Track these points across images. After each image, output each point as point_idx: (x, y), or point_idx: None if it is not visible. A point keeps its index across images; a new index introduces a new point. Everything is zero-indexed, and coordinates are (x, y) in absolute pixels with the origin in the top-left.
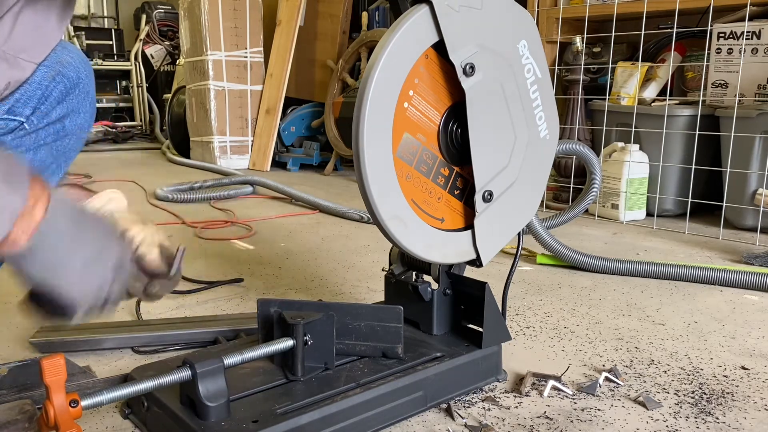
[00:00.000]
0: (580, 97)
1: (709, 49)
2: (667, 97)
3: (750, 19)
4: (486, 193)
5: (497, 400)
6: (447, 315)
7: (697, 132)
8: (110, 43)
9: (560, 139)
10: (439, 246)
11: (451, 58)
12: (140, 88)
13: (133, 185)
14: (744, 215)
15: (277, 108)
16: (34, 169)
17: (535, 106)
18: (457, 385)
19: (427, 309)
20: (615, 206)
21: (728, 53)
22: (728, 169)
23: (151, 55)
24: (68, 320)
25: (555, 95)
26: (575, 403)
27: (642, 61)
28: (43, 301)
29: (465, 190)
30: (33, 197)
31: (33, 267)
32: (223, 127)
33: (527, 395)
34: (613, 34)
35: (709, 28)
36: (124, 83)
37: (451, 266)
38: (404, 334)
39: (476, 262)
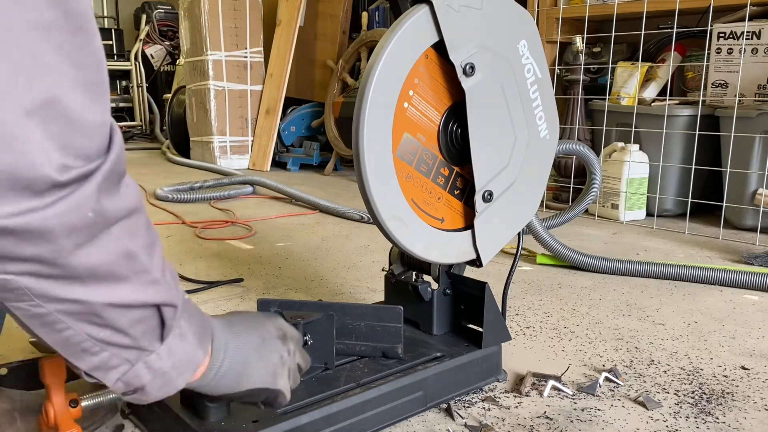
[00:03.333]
0: (580, 97)
1: (709, 49)
2: (667, 97)
3: (750, 19)
4: (486, 193)
5: (497, 400)
6: (447, 315)
7: (697, 132)
8: (110, 43)
9: (560, 139)
10: (439, 246)
11: (451, 58)
12: (140, 88)
13: None
14: (744, 215)
15: (277, 108)
16: (208, 319)
17: (535, 106)
18: (457, 385)
19: (427, 309)
20: (615, 206)
21: (728, 53)
22: (728, 169)
23: (151, 55)
24: (282, 406)
25: (555, 95)
26: (575, 403)
27: (642, 61)
28: (243, 401)
29: (465, 190)
30: (208, 350)
31: (218, 388)
32: (223, 127)
33: (527, 395)
34: (613, 34)
35: (709, 28)
36: (124, 83)
37: (451, 266)
38: (404, 334)
39: (476, 262)
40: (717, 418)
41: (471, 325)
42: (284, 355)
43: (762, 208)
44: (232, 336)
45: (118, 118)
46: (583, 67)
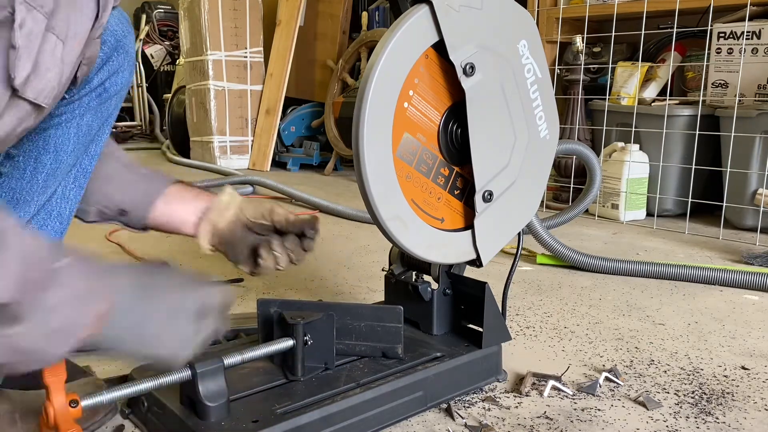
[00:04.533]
0: (580, 97)
1: (709, 49)
2: (667, 97)
3: (750, 19)
4: (486, 193)
5: (497, 400)
6: (447, 315)
7: (697, 132)
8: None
9: (560, 139)
10: (439, 246)
11: (451, 58)
12: (140, 88)
13: None
14: (744, 215)
15: (277, 108)
16: (104, 270)
17: (535, 106)
18: (457, 385)
19: (427, 309)
20: (615, 206)
21: (728, 53)
22: (728, 169)
23: (151, 55)
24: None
25: (555, 95)
26: (575, 403)
27: (642, 61)
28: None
29: (465, 190)
30: (100, 310)
31: (116, 350)
32: (223, 127)
33: (527, 395)
34: (613, 34)
35: (709, 28)
36: None
37: (451, 266)
38: (404, 334)
39: (476, 262)
40: (717, 418)
41: (471, 325)
42: (197, 333)
43: (762, 208)
44: (140, 295)
45: (118, 118)
46: (583, 67)
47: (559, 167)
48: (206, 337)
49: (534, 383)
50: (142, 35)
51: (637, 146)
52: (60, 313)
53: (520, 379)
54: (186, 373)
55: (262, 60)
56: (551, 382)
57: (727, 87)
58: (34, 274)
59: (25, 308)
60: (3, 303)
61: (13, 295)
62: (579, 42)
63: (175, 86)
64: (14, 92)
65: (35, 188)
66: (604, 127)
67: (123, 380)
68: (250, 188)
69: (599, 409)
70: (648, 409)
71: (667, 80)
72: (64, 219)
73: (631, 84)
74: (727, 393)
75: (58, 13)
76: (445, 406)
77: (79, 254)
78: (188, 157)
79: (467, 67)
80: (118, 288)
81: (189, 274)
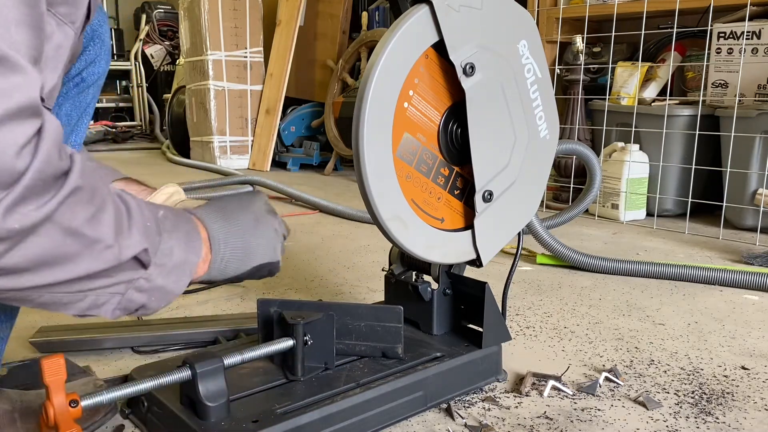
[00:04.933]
0: (580, 97)
1: (709, 49)
2: (667, 97)
3: (750, 19)
4: (486, 193)
5: (497, 400)
6: (447, 315)
7: (697, 132)
8: (110, 42)
9: (560, 139)
10: (439, 246)
11: (451, 58)
12: (140, 88)
13: None
14: (744, 215)
15: (277, 108)
16: (191, 213)
17: (535, 106)
18: (457, 385)
19: (427, 309)
20: (615, 206)
21: (728, 53)
22: (728, 169)
23: (151, 55)
24: (275, 272)
25: (555, 95)
26: (575, 403)
27: (642, 61)
28: (250, 278)
29: (465, 190)
30: (204, 245)
31: (225, 273)
32: (223, 127)
33: (527, 395)
34: (613, 34)
35: (709, 28)
36: (124, 83)
37: (451, 266)
38: (404, 334)
39: (476, 262)
40: (717, 418)
41: (471, 325)
42: (277, 227)
43: (762, 208)
44: (226, 223)
45: (118, 118)
46: (583, 67)
47: (559, 167)
48: (285, 234)
49: (534, 383)
50: (142, 35)
51: (637, 146)
52: (176, 254)
53: (520, 379)
54: (186, 373)
55: (262, 60)
56: (551, 382)
57: (727, 87)
58: (150, 224)
59: (151, 253)
60: (142, 250)
61: (144, 244)
62: (579, 42)
63: (175, 86)
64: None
65: None
66: (604, 127)
67: (123, 380)
68: (249, 188)
69: (599, 409)
70: (648, 409)
71: (667, 80)
72: None
73: (631, 84)
74: (727, 393)
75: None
76: (445, 406)
77: (169, 206)
78: (188, 157)
79: (467, 67)
80: (207, 220)
81: (234, 192)
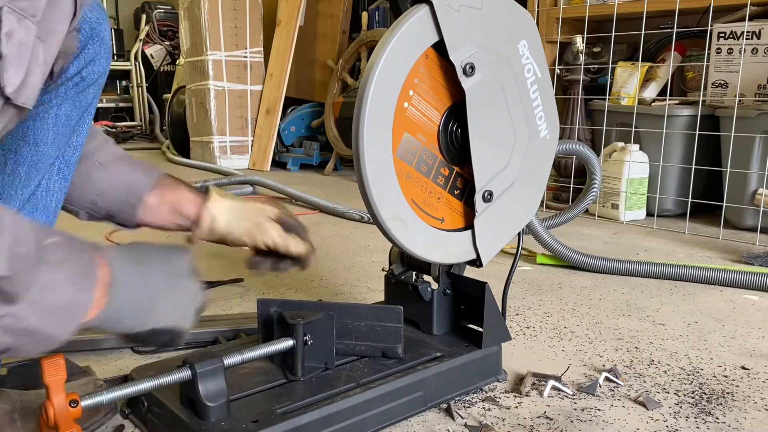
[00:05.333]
0: (580, 97)
1: (709, 49)
2: (667, 97)
3: (750, 19)
4: (486, 193)
5: (497, 400)
6: (447, 315)
7: (697, 132)
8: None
9: (560, 139)
10: (439, 246)
11: (451, 58)
12: (140, 88)
13: None
14: (744, 215)
15: (277, 108)
16: (96, 249)
17: (535, 106)
18: (457, 385)
19: (427, 309)
20: (615, 206)
21: (728, 53)
22: (728, 169)
23: (151, 55)
24: (179, 344)
25: (555, 95)
26: (575, 403)
27: (642, 61)
28: (145, 341)
29: (465, 190)
30: (100, 286)
31: (119, 326)
32: (223, 127)
33: (527, 395)
34: (613, 34)
35: (709, 28)
36: (124, 83)
37: (451, 266)
38: (404, 334)
39: (476, 262)
40: (717, 418)
41: (471, 325)
42: (196, 294)
43: (762, 208)
44: (136, 271)
45: (118, 118)
46: (583, 67)
47: (559, 167)
48: (203, 301)
49: (534, 383)
50: (142, 35)
51: (637, 146)
52: (59, 291)
53: (520, 379)
54: (186, 373)
55: (262, 60)
56: (551, 382)
57: (727, 87)
58: (24, 249)
59: (19, 285)
60: None
61: (5, 269)
62: (579, 42)
63: (175, 86)
64: (7, 101)
65: (17, 182)
66: (604, 127)
67: (123, 380)
68: (249, 188)
69: (599, 409)
70: (648, 409)
71: (667, 80)
72: (51, 211)
73: (631, 84)
74: (727, 393)
75: (44, 15)
76: (445, 406)
77: (69, 234)
78: (188, 157)
79: (467, 67)
80: (114, 261)
81: (162, 244)
